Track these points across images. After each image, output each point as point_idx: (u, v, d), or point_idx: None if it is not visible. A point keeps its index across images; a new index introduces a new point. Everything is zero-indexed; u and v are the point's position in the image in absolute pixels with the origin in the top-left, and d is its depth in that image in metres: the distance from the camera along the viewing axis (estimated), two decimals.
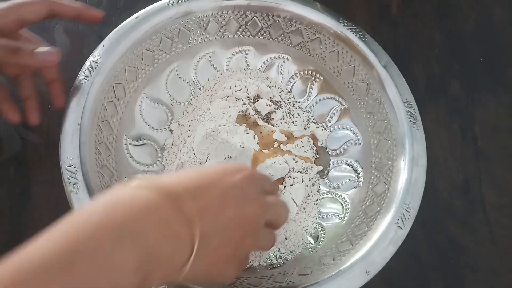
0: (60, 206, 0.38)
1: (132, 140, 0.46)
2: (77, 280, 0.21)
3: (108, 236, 0.23)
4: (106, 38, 0.45)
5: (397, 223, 0.40)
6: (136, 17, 0.46)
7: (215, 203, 0.28)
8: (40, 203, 0.46)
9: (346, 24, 0.48)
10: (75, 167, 0.39)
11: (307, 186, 0.45)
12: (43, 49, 0.41)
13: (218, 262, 0.29)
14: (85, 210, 0.26)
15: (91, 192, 0.38)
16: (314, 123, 0.50)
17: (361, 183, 0.47)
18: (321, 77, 0.51)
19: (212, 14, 0.49)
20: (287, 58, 0.52)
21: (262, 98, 0.48)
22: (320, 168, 0.48)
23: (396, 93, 0.45)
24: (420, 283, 0.46)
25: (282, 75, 0.52)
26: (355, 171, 0.47)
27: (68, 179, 0.38)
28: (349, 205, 0.46)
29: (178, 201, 0.26)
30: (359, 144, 0.48)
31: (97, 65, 0.44)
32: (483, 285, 0.46)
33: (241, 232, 0.29)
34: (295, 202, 0.44)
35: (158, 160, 0.47)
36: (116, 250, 0.23)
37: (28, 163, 0.47)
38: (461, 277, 0.46)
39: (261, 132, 0.46)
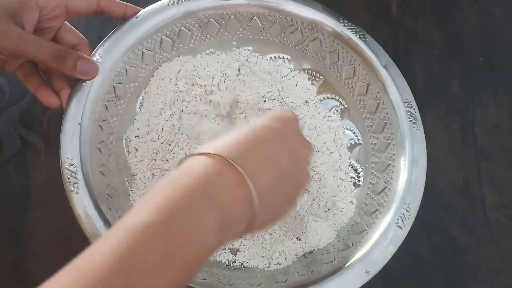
0: (60, 206, 0.38)
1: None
2: (174, 238, 0.24)
3: (191, 200, 0.26)
4: (106, 38, 0.44)
5: (397, 222, 0.40)
6: (137, 17, 0.46)
7: (265, 159, 0.30)
8: (40, 203, 0.45)
9: (346, 24, 0.48)
10: (75, 167, 0.39)
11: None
12: (85, 61, 0.40)
13: (277, 206, 0.31)
14: (168, 178, 0.28)
15: (91, 192, 0.38)
16: None
17: (361, 182, 0.47)
18: (321, 77, 0.51)
19: (212, 14, 0.49)
20: (287, 58, 0.52)
21: None
22: None
23: (396, 93, 0.46)
24: (420, 283, 0.46)
25: None
26: (355, 170, 0.47)
27: (68, 179, 0.38)
28: None
29: (233, 165, 0.28)
30: (359, 144, 0.48)
31: None
32: (483, 285, 0.46)
33: (295, 177, 0.32)
34: None
35: None
36: (200, 212, 0.26)
37: (28, 163, 0.47)
38: (461, 277, 0.46)
39: None
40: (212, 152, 0.28)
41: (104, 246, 0.24)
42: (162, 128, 0.46)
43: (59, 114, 0.41)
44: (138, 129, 0.46)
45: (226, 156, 0.28)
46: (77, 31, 0.45)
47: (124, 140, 0.46)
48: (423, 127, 0.45)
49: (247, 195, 0.28)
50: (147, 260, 0.23)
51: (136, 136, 0.46)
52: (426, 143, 0.44)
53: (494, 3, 0.59)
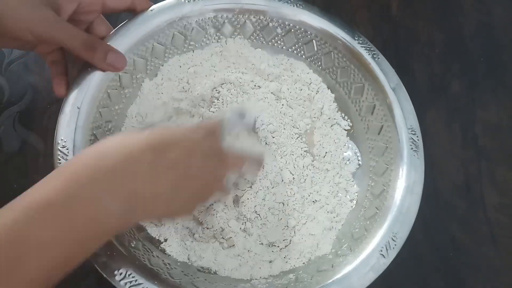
0: None
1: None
2: (72, 217, 0.26)
3: (96, 183, 0.27)
4: (118, 27, 0.45)
5: (381, 251, 0.38)
6: (151, 10, 0.46)
7: (179, 159, 0.31)
8: None
9: (360, 41, 0.47)
10: (67, 149, 0.39)
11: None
12: (115, 54, 0.41)
13: (176, 203, 0.33)
14: (80, 158, 0.29)
15: None
16: None
17: (354, 205, 0.45)
18: (333, 94, 0.50)
19: (227, 16, 0.48)
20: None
21: None
22: None
23: (401, 118, 0.44)
24: (420, 283, 0.45)
25: None
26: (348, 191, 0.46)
27: (59, 160, 0.39)
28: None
29: (154, 153, 0.30)
30: (359, 164, 0.47)
31: None
32: (483, 285, 0.45)
33: (201, 182, 0.34)
34: None
35: None
36: (103, 194, 0.27)
37: (27, 162, 0.47)
38: (462, 277, 0.45)
39: None
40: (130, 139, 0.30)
41: None
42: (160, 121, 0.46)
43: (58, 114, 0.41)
44: (135, 117, 0.46)
45: (142, 146, 0.30)
46: (108, 23, 0.45)
47: (122, 129, 0.46)
48: (424, 127, 0.45)
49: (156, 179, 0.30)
50: (37, 237, 0.25)
51: (132, 126, 0.46)
52: (427, 143, 0.44)
53: (495, 2, 0.59)
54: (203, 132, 0.34)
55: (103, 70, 0.42)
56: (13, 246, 0.25)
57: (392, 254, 0.38)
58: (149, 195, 0.30)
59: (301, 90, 0.50)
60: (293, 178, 0.46)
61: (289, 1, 0.49)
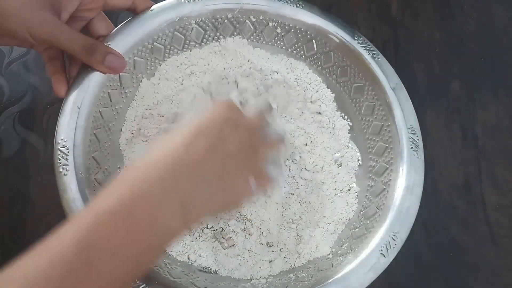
0: (59, 206, 0.37)
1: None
2: (137, 223, 0.27)
3: (153, 188, 0.28)
4: (119, 26, 0.45)
5: (381, 250, 0.38)
6: (151, 10, 0.46)
7: (210, 145, 0.31)
8: (39, 204, 0.45)
9: (360, 41, 0.47)
10: (67, 149, 0.39)
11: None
12: (114, 56, 0.41)
13: (223, 184, 0.32)
14: (131, 171, 0.30)
15: (78, 176, 0.38)
16: None
17: (356, 204, 0.45)
18: (333, 93, 0.50)
19: (227, 16, 0.48)
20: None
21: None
22: None
23: (401, 117, 0.44)
24: (420, 283, 0.45)
25: None
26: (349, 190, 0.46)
27: (59, 160, 0.39)
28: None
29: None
30: (359, 164, 0.47)
31: None
32: (483, 285, 0.46)
33: (240, 164, 0.33)
34: None
35: None
36: (163, 198, 0.28)
37: (27, 162, 0.47)
38: (462, 277, 0.46)
39: None
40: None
41: (70, 230, 0.26)
42: (160, 118, 0.46)
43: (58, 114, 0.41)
44: (135, 120, 0.46)
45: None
46: (109, 21, 0.45)
47: (122, 129, 0.46)
48: (424, 127, 0.45)
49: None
50: (109, 242, 0.26)
51: (133, 126, 0.46)
52: (427, 143, 0.44)
53: (495, 3, 0.59)
54: (222, 110, 0.34)
55: (103, 73, 0.42)
56: (84, 252, 0.26)
57: (392, 254, 0.38)
58: (196, 189, 0.30)
59: None
60: (294, 177, 0.46)
61: (289, 1, 0.49)
